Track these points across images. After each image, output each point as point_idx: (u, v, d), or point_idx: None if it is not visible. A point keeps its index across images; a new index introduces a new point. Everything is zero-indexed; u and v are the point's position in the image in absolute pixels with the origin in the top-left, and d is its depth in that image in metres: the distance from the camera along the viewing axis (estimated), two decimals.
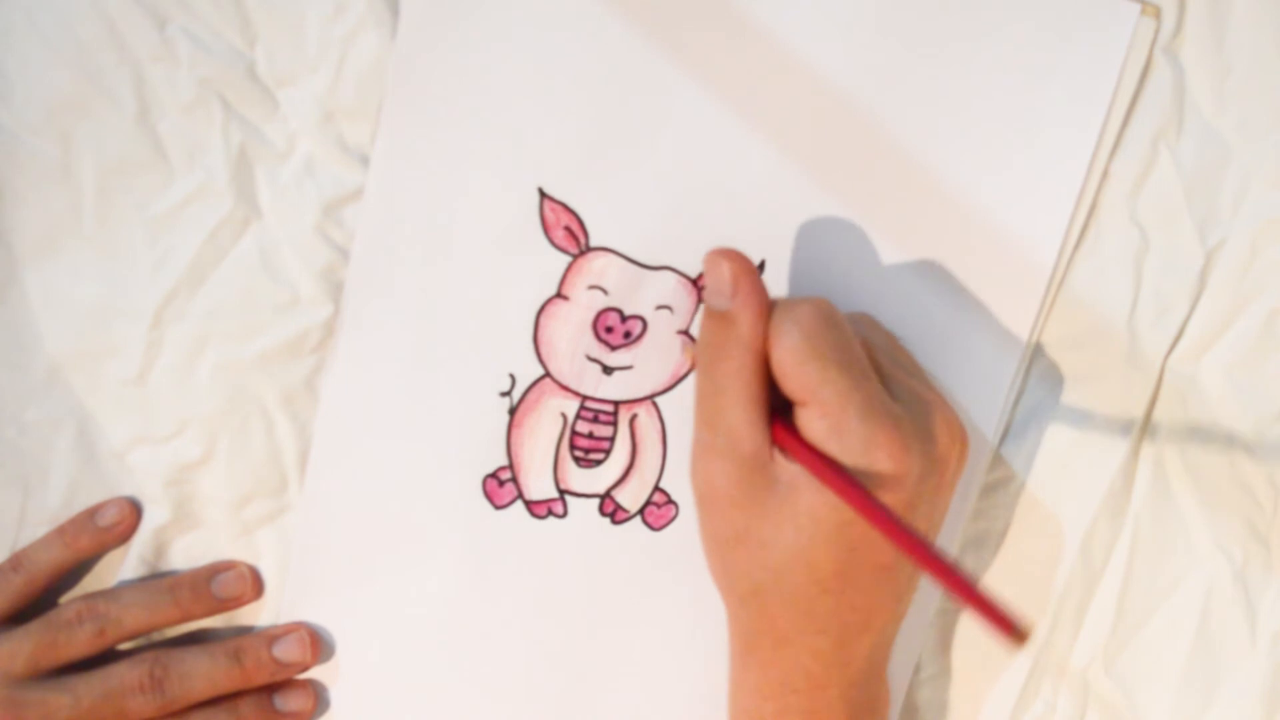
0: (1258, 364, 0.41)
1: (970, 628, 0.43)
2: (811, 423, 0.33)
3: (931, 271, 0.40)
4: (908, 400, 0.35)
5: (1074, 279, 0.40)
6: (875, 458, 0.32)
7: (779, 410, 0.34)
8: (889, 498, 0.33)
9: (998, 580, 0.42)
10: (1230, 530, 0.41)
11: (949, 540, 0.41)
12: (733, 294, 0.34)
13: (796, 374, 0.33)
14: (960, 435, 0.36)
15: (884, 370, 0.36)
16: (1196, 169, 0.40)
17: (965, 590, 0.29)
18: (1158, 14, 0.39)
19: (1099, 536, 0.42)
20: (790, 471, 0.33)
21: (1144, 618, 0.42)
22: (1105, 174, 0.40)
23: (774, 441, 0.34)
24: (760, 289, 0.34)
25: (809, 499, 0.33)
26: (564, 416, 0.41)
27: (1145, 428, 0.41)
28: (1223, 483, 0.41)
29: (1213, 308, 0.40)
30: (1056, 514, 0.42)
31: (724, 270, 0.34)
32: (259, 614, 0.42)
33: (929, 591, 0.42)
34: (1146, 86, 0.39)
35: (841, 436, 0.32)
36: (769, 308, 0.34)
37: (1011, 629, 0.27)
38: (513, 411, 0.41)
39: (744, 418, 0.34)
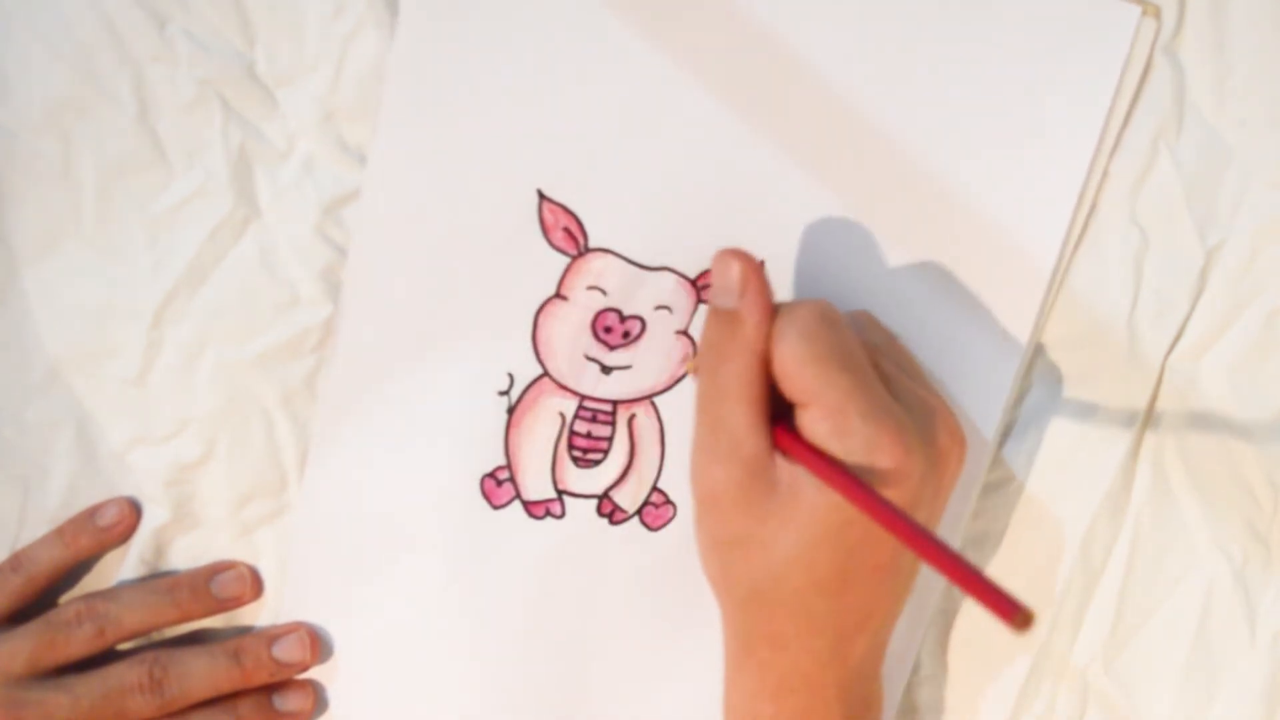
0: (1258, 364, 0.40)
1: (969, 627, 0.43)
2: (814, 424, 0.33)
3: (932, 271, 0.40)
4: (909, 402, 0.35)
5: (1074, 279, 0.40)
6: (877, 458, 0.32)
7: (779, 413, 0.34)
8: (891, 496, 0.32)
9: (998, 580, 0.42)
10: (1230, 530, 0.41)
11: (949, 540, 0.41)
12: (741, 293, 0.34)
13: (798, 376, 0.33)
14: (960, 439, 0.36)
15: (884, 371, 0.36)
16: (1196, 169, 0.40)
17: (969, 579, 0.29)
18: (1158, 14, 0.39)
19: (1099, 536, 0.42)
20: (791, 474, 0.33)
21: (1144, 617, 0.42)
22: (1105, 174, 0.40)
23: (775, 444, 0.34)
24: (767, 291, 0.34)
25: (810, 501, 0.33)
26: (562, 416, 0.41)
27: (1145, 427, 0.41)
28: (1222, 482, 0.41)
29: (1213, 307, 0.40)
30: (1056, 514, 0.42)
31: (734, 269, 0.35)
32: (259, 614, 0.43)
33: (927, 591, 0.42)
34: (1146, 86, 0.39)
35: (844, 437, 0.32)
36: (774, 310, 0.34)
37: (1015, 614, 0.28)
38: (511, 411, 0.41)
39: (747, 421, 0.34)
